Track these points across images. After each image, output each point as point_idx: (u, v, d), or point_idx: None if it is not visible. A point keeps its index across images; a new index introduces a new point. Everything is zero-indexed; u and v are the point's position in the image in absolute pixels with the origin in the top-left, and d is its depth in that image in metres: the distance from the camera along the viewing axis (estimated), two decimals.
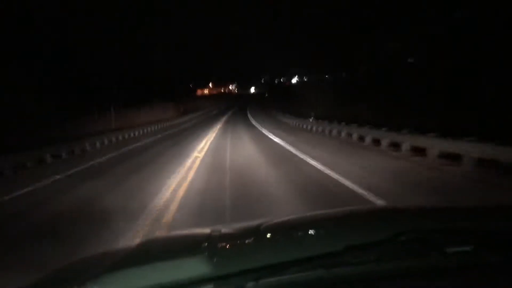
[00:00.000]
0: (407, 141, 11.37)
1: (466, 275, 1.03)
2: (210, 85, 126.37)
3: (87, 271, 1.26)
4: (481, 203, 3.25)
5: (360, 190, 6.66)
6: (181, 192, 7.15)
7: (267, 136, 19.42)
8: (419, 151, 10.60)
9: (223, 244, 1.35)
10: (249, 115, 44.47)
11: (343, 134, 17.09)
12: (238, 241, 1.42)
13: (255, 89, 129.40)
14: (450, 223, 1.34)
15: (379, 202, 5.83)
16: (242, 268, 1.01)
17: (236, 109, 64.47)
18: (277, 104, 50.85)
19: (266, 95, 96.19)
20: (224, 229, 1.52)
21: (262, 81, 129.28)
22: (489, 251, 1.10)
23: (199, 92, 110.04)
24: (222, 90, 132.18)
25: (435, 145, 9.94)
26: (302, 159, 10.97)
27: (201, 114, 52.83)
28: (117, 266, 1.19)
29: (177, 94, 50.32)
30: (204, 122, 36.93)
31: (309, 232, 1.47)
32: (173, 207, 6.12)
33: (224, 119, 41.04)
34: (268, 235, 1.44)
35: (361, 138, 14.88)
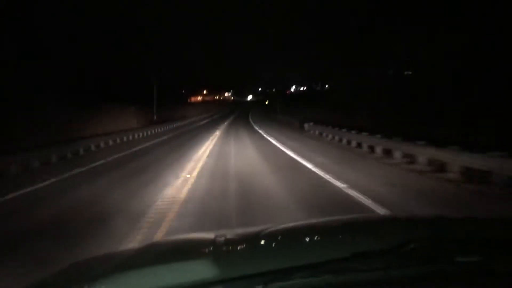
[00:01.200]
0: None
1: (475, 284, 1.01)
2: (205, 92, 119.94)
3: (93, 271, 1.23)
4: None
5: None
6: None
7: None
8: None
9: (230, 247, 1.32)
10: (257, 128, 28.13)
11: None
12: (245, 245, 1.38)
13: (252, 97, 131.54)
14: (458, 232, 1.32)
15: None
16: (249, 272, 0.99)
17: (236, 117, 50.95)
18: (291, 112, 38.38)
19: (267, 102, 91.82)
20: (229, 234, 1.46)
21: (259, 90, 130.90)
22: (498, 260, 1.07)
23: (192, 99, 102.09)
24: (217, 97, 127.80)
25: None
26: None
27: (183, 125, 37.16)
28: (123, 267, 1.18)
29: (148, 98, 33.45)
30: (175, 142, 20.32)
31: (317, 238, 1.43)
32: None
33: (216, 134, 23.91)
34: (275, 240, 1.41)
35: None
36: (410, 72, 26.84)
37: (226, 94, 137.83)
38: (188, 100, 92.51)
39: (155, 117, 32.55)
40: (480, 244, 1.15)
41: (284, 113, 41.40)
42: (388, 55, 25.65)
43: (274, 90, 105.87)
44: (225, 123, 38.64)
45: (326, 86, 57.52)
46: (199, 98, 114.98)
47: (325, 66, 39.50)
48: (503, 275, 1.01)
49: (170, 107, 43.66)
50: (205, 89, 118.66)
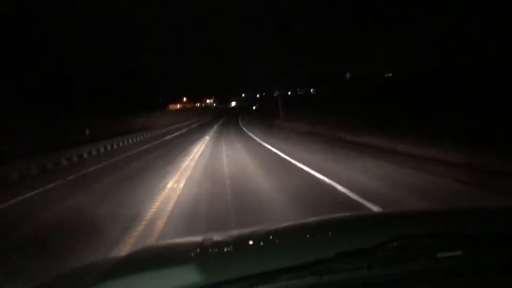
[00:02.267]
0: None
1: (458, 279, 1.01)
2: (185, 99, 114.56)
3: (80, 280, 1.21)
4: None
5: None
6: None
7: None
8: None
9: (215, 252, 1.31)
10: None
11: None
12: (230, 249, 1.36)
13: (236, 104, 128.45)
14: (440, 227, 1.29)
15: None
16: (234, 276, 0.99)
17: (223, 127, 37.19)
18: (298, 117, 27.25)
19: (255, 107, 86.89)
20: (216, 237, 1.45)
21: (243, 96, 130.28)
22: (480, 254, 1.07)
23: (171, 106, 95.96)
24: (198, 104, 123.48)
25: None
26: None
27: (134, 144, 24.23)
28: (109, 275, 1.15)
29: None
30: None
31: (301, 239, 1.42)
32: None
33: (181, 177, 9.09)
34: (260, 243, 1.40)
35: None
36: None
37: (208, 101, 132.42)
38: (167, 108, 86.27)
39: (87, 132, 20.23)
40: (463, 238, 1.13)
41: (290, 119, 29.31)
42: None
43: (258, 95, 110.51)
44: (206, 137, 24.98)
45: (312, 90, 58.15)
46: (178, 105, 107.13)
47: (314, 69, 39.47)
48: (487, 269, 1.00)
49: (129, 116, 32.10)
50: (185, 96, 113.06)
